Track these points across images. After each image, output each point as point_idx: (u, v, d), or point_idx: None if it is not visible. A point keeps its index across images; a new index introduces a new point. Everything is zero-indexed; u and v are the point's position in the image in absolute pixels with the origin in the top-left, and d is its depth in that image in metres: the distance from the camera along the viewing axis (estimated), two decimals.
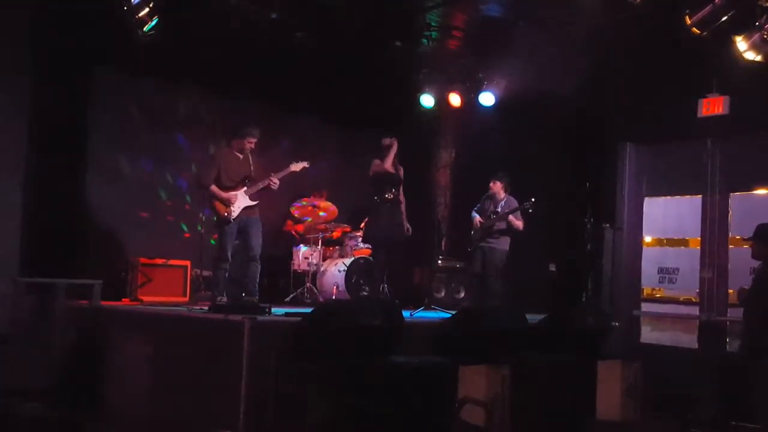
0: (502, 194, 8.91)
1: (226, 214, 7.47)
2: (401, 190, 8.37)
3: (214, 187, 7.50)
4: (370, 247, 9.51)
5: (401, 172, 8.41)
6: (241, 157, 7.68)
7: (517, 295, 8.76)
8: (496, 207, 8.88)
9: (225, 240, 7.51)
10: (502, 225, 8.74)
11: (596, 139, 9.26)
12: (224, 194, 7.49)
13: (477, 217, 8.96)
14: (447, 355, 5.47)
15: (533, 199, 8.48)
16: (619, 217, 9.27)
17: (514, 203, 8.82)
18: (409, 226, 8.44)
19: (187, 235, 9.50)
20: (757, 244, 6.70)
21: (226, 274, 7.51)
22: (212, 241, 9.23)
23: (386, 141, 8.31)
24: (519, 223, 8.70)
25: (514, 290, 8.89)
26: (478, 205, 9.09)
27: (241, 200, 7.54)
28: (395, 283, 8.67)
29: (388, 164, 8.21)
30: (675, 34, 7.21)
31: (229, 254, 7.52)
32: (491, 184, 8.94)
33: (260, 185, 7.64)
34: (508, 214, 8.68)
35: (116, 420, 6.32)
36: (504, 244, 8.80)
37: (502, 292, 8.65)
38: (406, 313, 6.24)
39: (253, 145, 7.67)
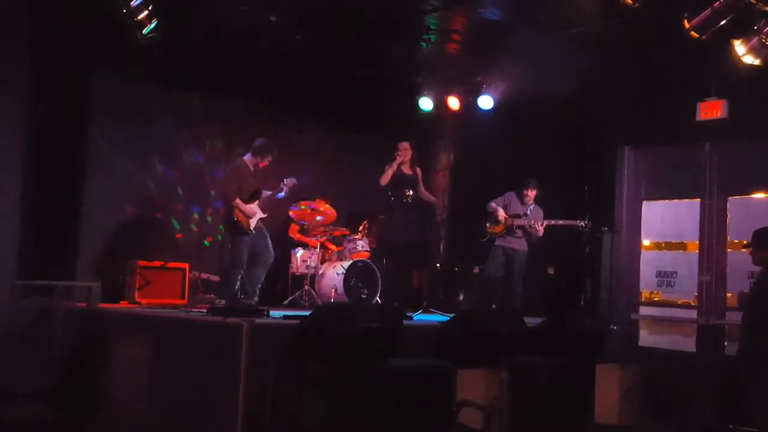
0: (532, 201, 8.94)
1: (246, 225, 7.92)
2: (421, 189, 8.44)
3: (238, 200, 7.92)
4: (368, 250, 9.53)
5: (418, 173, 8.46)
6: (253, 170, 8.14)
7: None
8: (525, 210, 8.87)
9: (242, 249, 7.95)
10: (527, 225, 8.76)
11: (595, 143, 9.26)
12: (247, 207, 7.93)
13: (501, 210, 8.90)
14: (445, 358, 5.47)
15: (587, 220, 8.51)
16: (618, 220, 9.27)
17: (540, 212, 8.86)
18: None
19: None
20: (756, 250, 6.72)
21: (239, 277, 7.89)
22: (206, 243, 9.38)
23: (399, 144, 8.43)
24: (541, 230, 8.75)
25: None
26: (500, 199, 9.02)
27: (258, 212, 8.06)
28: (394, 286, 8.67)
29: (393, 168, 8.26)
30: (674, 38, 7.22)
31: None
32: (527, 191, 8.87)
33: (266, 199, 8.19)
34: (565, 224, 8.68)
35: (115, 422, 6.32)
36: (525, 244, 8.86)
37: (521, 294, 8.71)
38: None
39: (268, 163, 8.17)
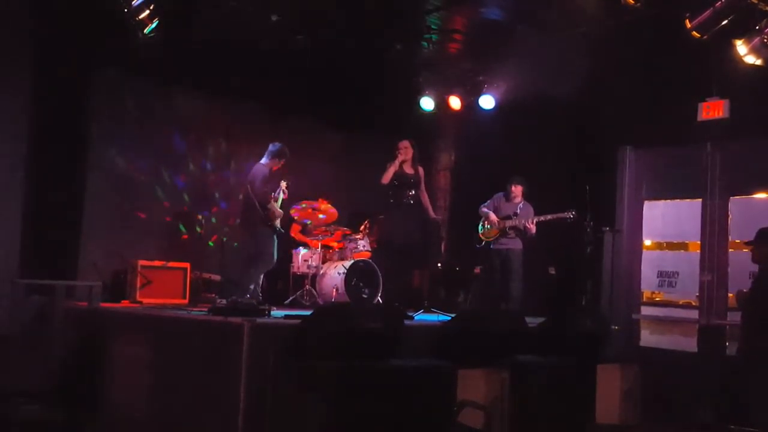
0: (520, 198, 8.97)
1: (275, 226, 8.21)
2: (422, 191, 8.47)
3: (273, 204, 8.16)
4: (369, 249, 9.53)
5: (420, 172, 8.46)
6: (269, 173, 8.34)
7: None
8: (514, 209, 8.90)
9: (272, 248, 8.17)
10: (520, 225, 8.79)
11: (596, 143, 9.26)
12: (277, 210, 8.19)
13: (492, 214, 8.94)
14: (446, 358, 5.46)
15: (574, 212, 8.53)
16: (619, 220, 9.28)
17: (530, 209, 8.88)
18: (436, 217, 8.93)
19: (184, 237, 9.54)
20: (757, 248, 6.71)
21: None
22: (210, 243, 9.44)
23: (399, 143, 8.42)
24: (533, 227, 8.75)
25: None
26: (489, 202, 9.07)
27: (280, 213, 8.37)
28: (395, 286, 8.67)
29: (395, 167, 8.26)
30: (675, 38, 7.21)
31: None
32: (512, 188, 8.95)
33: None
34: (553, 218, 8.68)
35: (115, 422, 6.32)
36: (519, 243, 8.87)
37: (519, 293, 8.70)
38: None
39: (280, 167, 8.35)
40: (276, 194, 8.39)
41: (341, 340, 5.06)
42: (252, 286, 7.99)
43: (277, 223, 8.24)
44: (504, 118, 10.06)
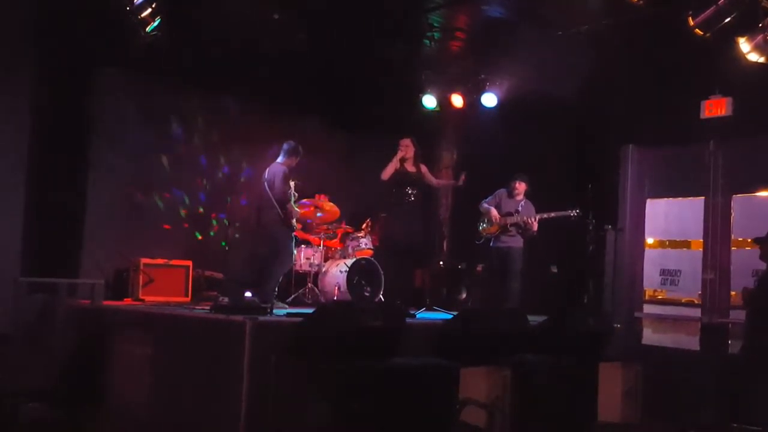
0: (522, 195, 8.94)
1: (293, 225, 8.16)
2: (430, 180, 8.55)
3: (291, 204, 8.02)
4: (371, 248, 9.53)
5: (423, 170, 8.44)
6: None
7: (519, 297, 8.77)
8: (516, 207, 8.87)
9: (292, 248, 8.19)
10: (521, 221, 8.76)
11: (598, 141, 9.25)
12: (294, 209, 8.09)
13: (493, 210, 8.90)
14: (448, 356, 5.47)
15: (577, 210, 8.52)
16: (621, 218, 9.26)
17: (532, 207, 8.86)
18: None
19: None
20: (765, 245, 6.70)
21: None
22: (223, 243, 9.56)
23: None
24: (535, 224, 8.72)
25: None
26: (491, 198, 9.02)
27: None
28: (397, 285, 8.67)
29: (395, 164, 8.26)
30: (678, 36, 7.20)
31: None
32: (516, 184, 8.88)
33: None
34: (557, 215, 8.68)
35: (117, 420, 6.32)
36: (520, 241, 8.85)
37: (519, 291, 8.68)
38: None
39: (295, 165, 8.26)
40: (290, 193, 8.36)
41: (343, 339, 5.07)
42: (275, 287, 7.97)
43: (294, 222, 8.20)
44: (506, 117, 10.05)
